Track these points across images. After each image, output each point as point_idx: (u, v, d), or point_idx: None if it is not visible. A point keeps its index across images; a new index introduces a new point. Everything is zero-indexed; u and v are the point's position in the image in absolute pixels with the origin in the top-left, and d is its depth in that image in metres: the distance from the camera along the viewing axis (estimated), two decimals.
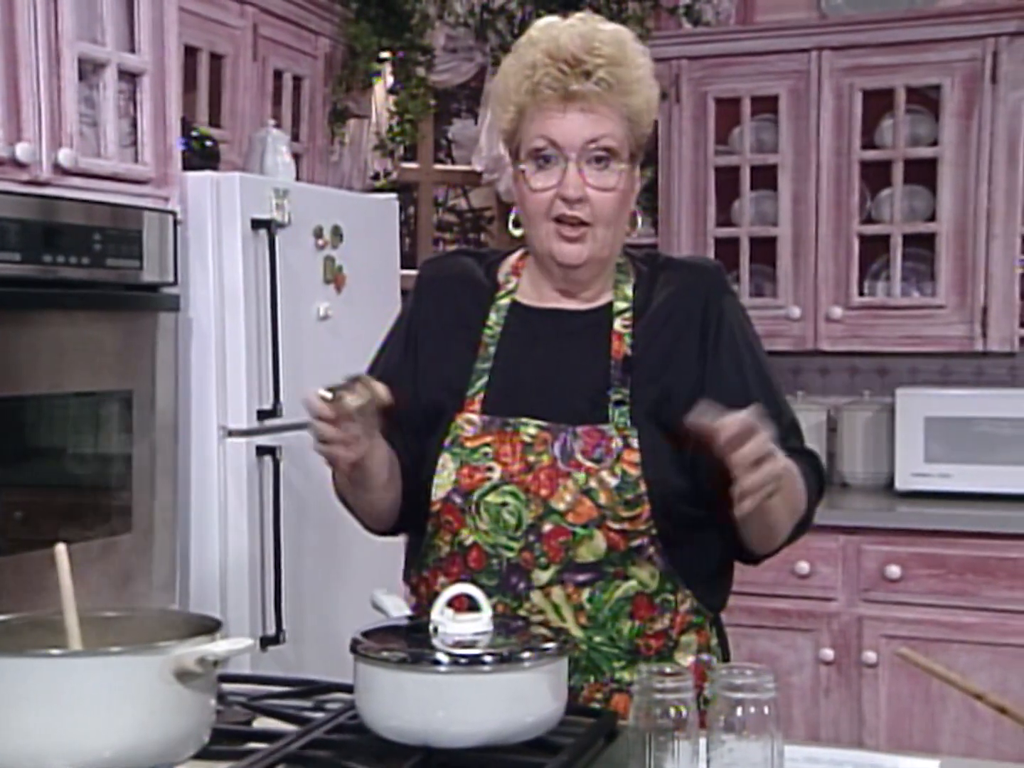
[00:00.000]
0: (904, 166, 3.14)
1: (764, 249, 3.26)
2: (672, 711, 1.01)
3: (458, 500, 1.34)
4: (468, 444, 1.34)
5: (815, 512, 1.40)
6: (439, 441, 1.36)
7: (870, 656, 2.90)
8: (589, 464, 1.31)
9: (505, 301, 1.42)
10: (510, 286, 1.43)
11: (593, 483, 1.30)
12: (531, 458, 1.32)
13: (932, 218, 3.15)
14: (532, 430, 1.33)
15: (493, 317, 1.41)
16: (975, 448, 3.03)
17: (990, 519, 2.87)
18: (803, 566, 2.96)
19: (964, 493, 3.03)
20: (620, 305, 1.40)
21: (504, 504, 1.32)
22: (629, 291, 1.41)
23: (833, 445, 3.36)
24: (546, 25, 1.36)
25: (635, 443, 1.31)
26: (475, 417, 1.35)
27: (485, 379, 1.37)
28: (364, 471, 1.31)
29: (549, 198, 1.34)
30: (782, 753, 1.03)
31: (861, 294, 3.21)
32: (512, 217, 1.41)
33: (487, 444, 1.34)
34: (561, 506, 1.31)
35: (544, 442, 1.33)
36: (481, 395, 1.37)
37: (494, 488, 1.33)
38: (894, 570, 2.90)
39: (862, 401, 3.34)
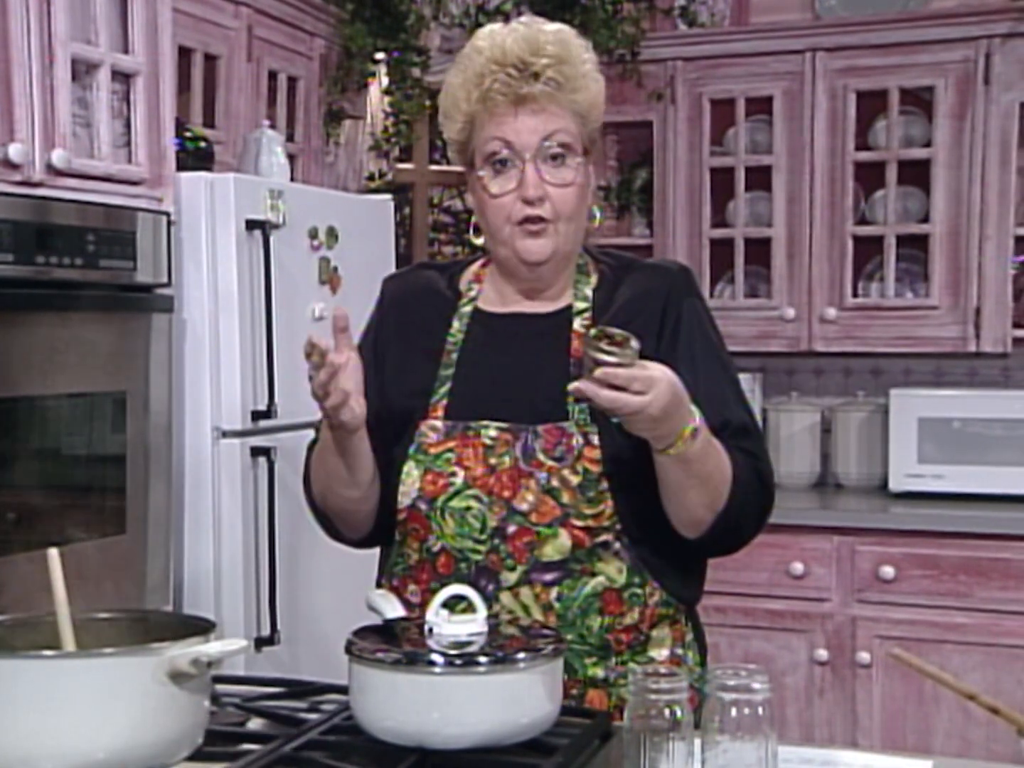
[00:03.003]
0: (898, 167, 3.14)
1: (758, 250, 3.27)
2: (667, 712, 1.01)
3: (423, 507, 1.35)
4: (431, 451, 1.36)
5: (752, 516, 1.36)
6: (404, 449, 1.37)
7: (864, 657, 2.91)
8: (551, 463, 1.32)
9: (468, 309, 1.43)
10: (472, 294, 1.45)
11: (555, 482, 1.32)
12: (493, 460, 1.33)
13: (925, 219, 3.16)
14: (493, 432, 1.34)
15: (456, 324, 1.42)
16: (968, 449, 3.04)
17: (983, 520, 2.88)
18: (797, 567, 2.97)
19: (957, 494, 3.04)
20: (580, 306, 1.41)
21: (468, 508, 1.33)
22: (588, 292, 1.42)
23: (827, 446, 3.36)
24: (489, 33, 1.37)
25: (595, 440, 1.32)
26: (438, 423, 1.36)
27: (448, 385, 1.39)
28: (353, 455, 1.33)
29: (509, 202, 1.35)
30: (776, 754, 1.03)
31: (855, 295, 3.22)
32: (472, 226, 1.42)
33: (450, 449, 1.35)
34: (524, 507, 1.32)
35: (506, 443, 1.34)
36: (444, 401, 1.38)
37: (457, 493, 1.34)
38: (888, 571, 2.91)
39: (856, 402, 3.34)
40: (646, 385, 1.17)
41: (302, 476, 1.47)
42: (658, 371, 1.20)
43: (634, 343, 1.19)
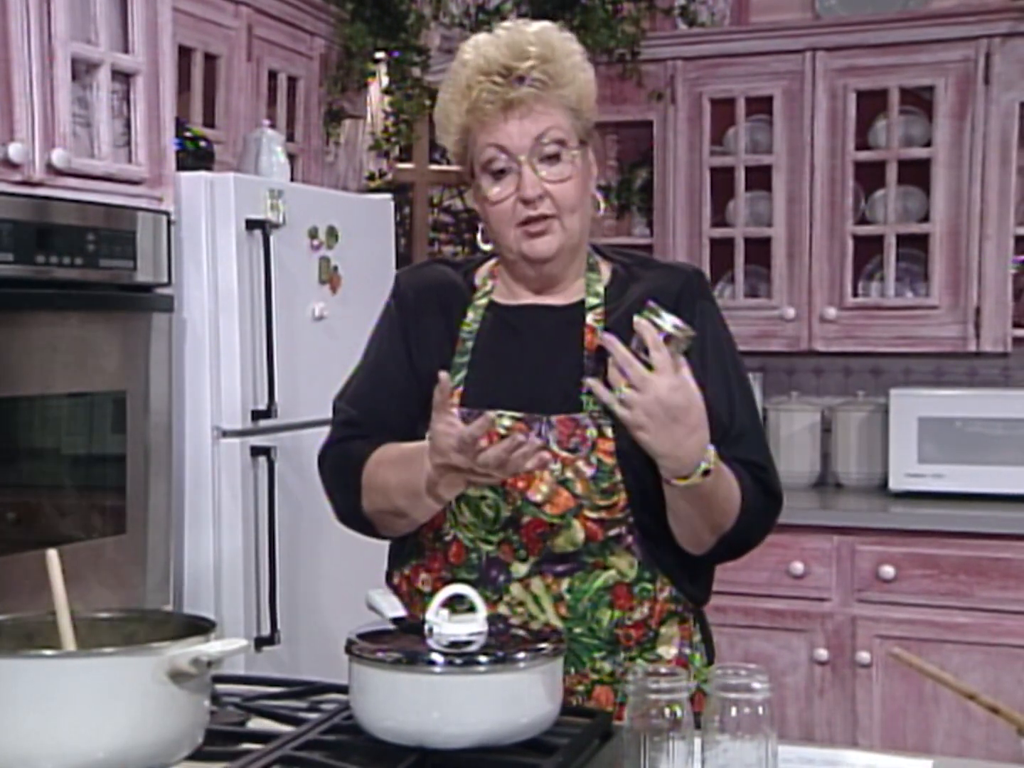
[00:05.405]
0: (898, 167, 3.14)
1: (759, 250, 3.27)
2: (667, 711, 1.01)
3: None
4: None
5: (758, 530, 1.37)
6: (420, 436, 1.37)
7: (864, 656, 2.91)
8: (565, 454, 1.33)
9: (483, 301, 1.45)
10: (487, 288, 1.46)
11: (569, 473, 1.32)
12: None
13: (926, 219, 3.16)
14: (507, 422, 1.35)
15: (471, 315, 1.43)
16: (968, 449, 3.04)
17: (983, 519, 2.88)
18: (797, 566, 2.97)
19: (957, 493, 3.04)
20: (592, 301, 1.42)
21: (483, 498, 1.34)
22: (600, 289, 1.43)
23: (827, 445, 3.36)
24: (474, 44, 1.38)
25: (609, 432, 1.33)
26: (454, 411, 1.36)
27: (463, 373, 1.40)
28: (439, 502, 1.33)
29: (510, 206, 1.36)
30: (776, 753, 1.03)
31: (855, 295, 3.21)
32: (479, 233, 1.44)
33: None
34: (538, 497, 1.33)
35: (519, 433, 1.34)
36: (460, 389, 1.38)
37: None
38: (888, 570, 2.91)
39: (856, 401, 3.34)
40: (639, 380, 1.20)
41: (334, 484, 1.44)
42: (664, 384, 1.20)
43: (690, 331, 1.22)
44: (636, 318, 1.23)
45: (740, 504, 1.32)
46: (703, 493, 1.27)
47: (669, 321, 1.22)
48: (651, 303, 1.24)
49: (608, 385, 1.24)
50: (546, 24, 1.39)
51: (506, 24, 1.39)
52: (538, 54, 1.34)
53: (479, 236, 1.44)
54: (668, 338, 1.21)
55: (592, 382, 1.24)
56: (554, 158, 1.35)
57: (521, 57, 1.34)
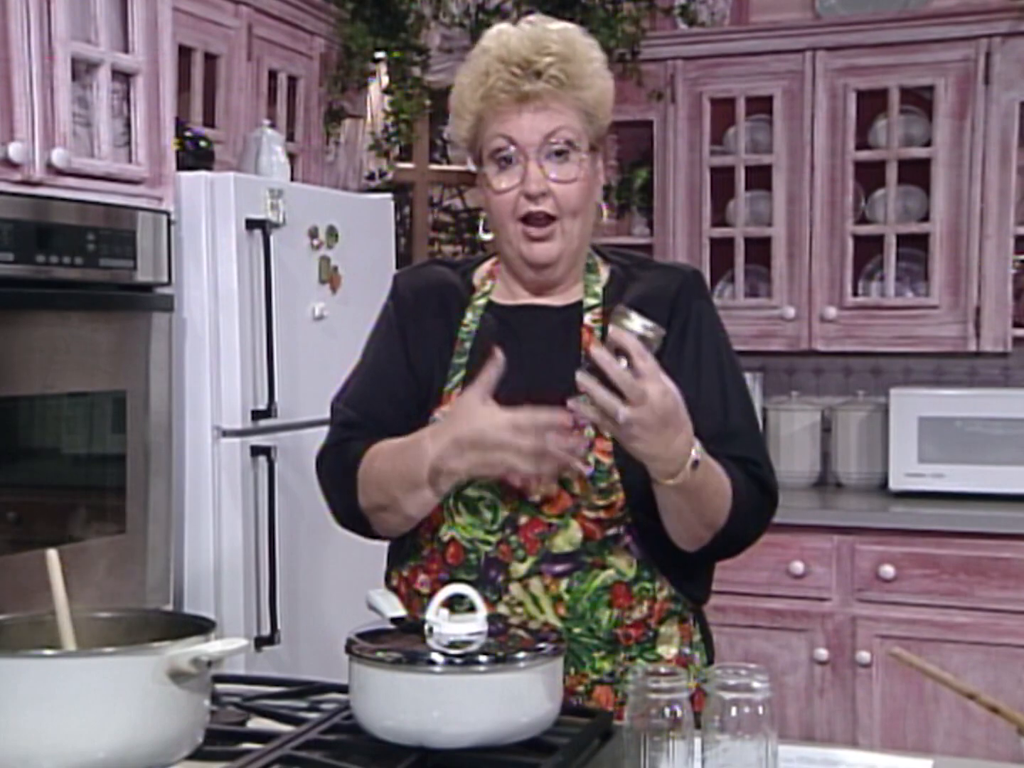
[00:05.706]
0: (898, 166, 3.14)
1: (759, 249, 3.27)
2: (667, 711, 1.01)
3: None
4: None
5: (754, 524, 1.37)
6: None
7: (864, 656, 2.91)
8: None
9: (481, 301, 1.45)
10: (486, 288, 1.46)
11: (567, 472, 1.32)
12: None
13: (926, 218, 3.16)
14: None
15: (469, 316, 1.43)
16: (968, 448, 3.04)
17: (983, 519, 2.88)
18: (797, 566, 2.97)
19: (957, 493, 3.04)
20: (590, 302, 1.42)
21: (481, 498, 1.34)
22: (599, 289, 1.43)
23: (827, 445, 3.36)
24: (497, 32, 1.38)
25: (607, 432, 1.32)
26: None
27: (462, 373, 1.40)
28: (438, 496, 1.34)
29: (513, 198, 1.36)
30: (776, 753, 1.03)
31: (855, 294, 3.22)
32: (481, 222, 1.44)
33: None
34: (536, 497, 1.33)
35: None
36: (458, 389, 1.39)
37: (471, 482, 1.34)
38: (888, 570, 2.91)
39: (856, 401, 3.34)
40: (638, 397, 1.17)
41: (331, 485, 1.44)
42: (657, 392, 1.19)
43: (660, 329, 1.20)
44: (611, 328, 1.20)
45: (732, 498, 1.32)
46: (692, 486, 1.26)
47: (639, 323, 1.20)
48: (620, 307, 1.22)
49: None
50: (570, 25, 1.40)
51: (531, 18, 1.39)
52: (558, 52, 1.34)
53: (480, 225, 1.44)
54: (640, 340, 1.20)
55: (573, 402, 1.22)
56: (562, 158, 1.35)
57: (542, 52, 1.34)
